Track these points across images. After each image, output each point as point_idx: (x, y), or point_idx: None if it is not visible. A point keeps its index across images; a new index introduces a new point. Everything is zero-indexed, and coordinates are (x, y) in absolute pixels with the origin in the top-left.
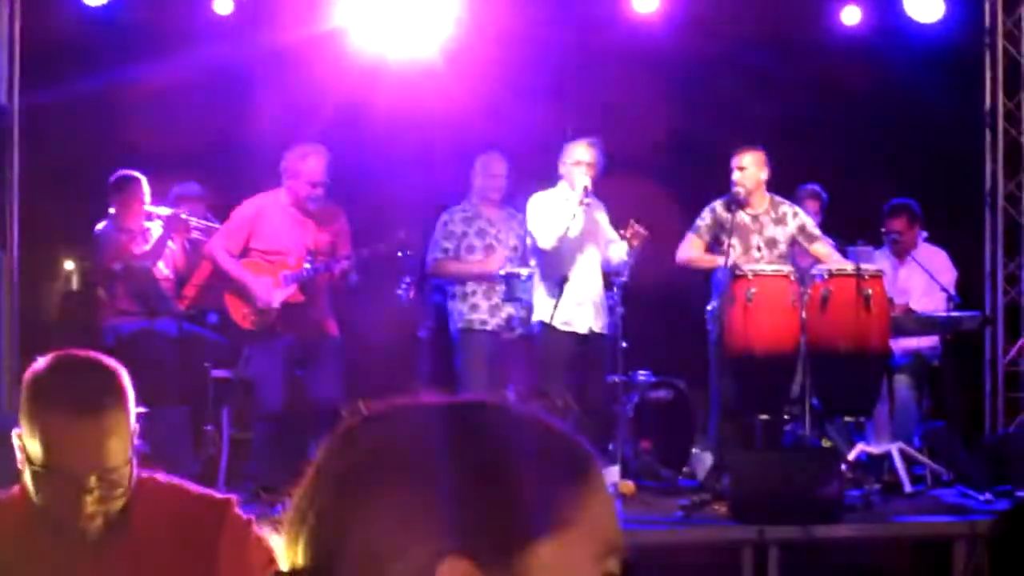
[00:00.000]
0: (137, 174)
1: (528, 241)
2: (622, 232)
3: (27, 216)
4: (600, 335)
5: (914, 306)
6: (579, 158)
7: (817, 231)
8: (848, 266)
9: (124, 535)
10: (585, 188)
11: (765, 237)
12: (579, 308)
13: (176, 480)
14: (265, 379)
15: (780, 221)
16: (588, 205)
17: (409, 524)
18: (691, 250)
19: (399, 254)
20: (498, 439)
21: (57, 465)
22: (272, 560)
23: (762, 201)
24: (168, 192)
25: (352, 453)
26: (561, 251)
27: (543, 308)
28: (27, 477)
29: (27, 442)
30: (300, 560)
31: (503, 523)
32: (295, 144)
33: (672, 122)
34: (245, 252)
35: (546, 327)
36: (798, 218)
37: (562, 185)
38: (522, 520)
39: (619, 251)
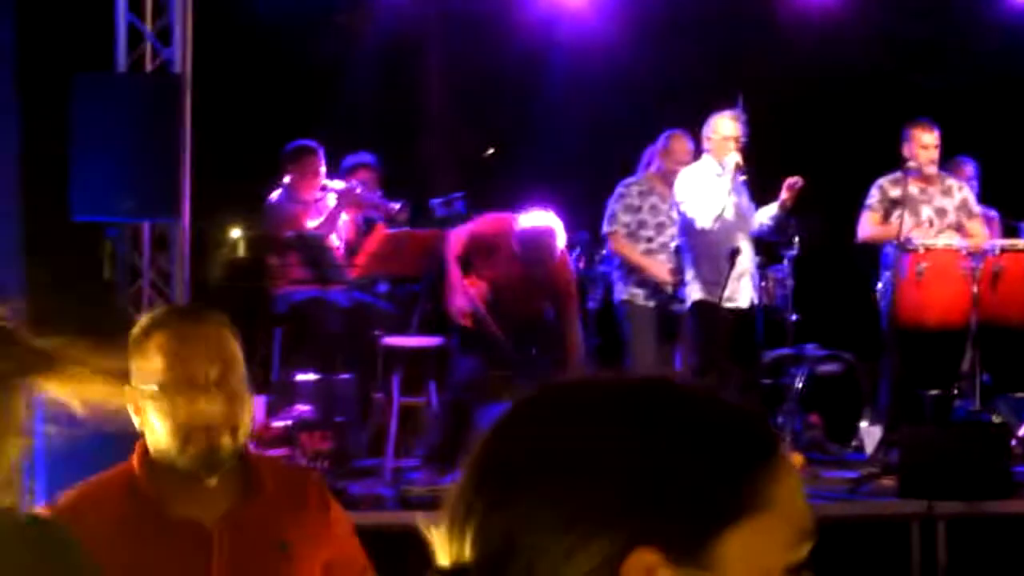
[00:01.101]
0: (313, 144)
1: (675, 217)
2: (779, 195)
3: (194, 184)
4: (755, 307)
5: None
6: (726, 133)
7: (977, 209)
8: (1020, 242)
9: (256, 507)
10: (737, 164)
11: (935, 207)
12: (739, 282)
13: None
14: (462, 353)
15: (947, 193)
16: (743, 182)
17: (589, 516)
18: (869, 227)
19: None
20: (681, 421)
21: (173, 366)
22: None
23: (932, 174)
24: (341, 161)
25: (522, 440)
26: (727, 227)
27: (702, 286)
28: (149, 417)
29: (140, 377)
30: (468, 554)
31: (692, 511)
32: None
33: (838, 92)
34: None
35: (708, 304)
36: (963, 191)
37: (707, 160)
38: (712, 507)
39: (764, 215)
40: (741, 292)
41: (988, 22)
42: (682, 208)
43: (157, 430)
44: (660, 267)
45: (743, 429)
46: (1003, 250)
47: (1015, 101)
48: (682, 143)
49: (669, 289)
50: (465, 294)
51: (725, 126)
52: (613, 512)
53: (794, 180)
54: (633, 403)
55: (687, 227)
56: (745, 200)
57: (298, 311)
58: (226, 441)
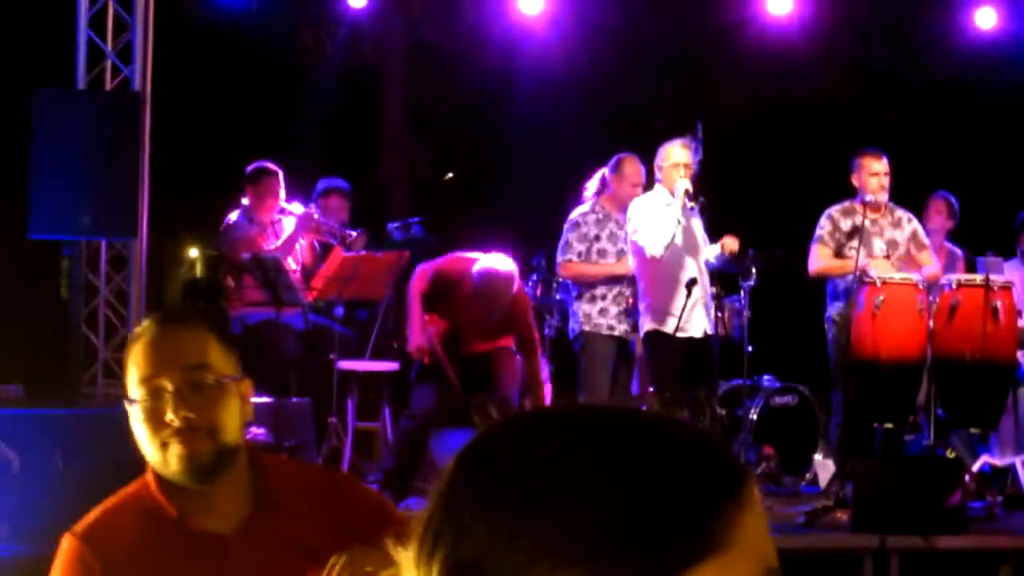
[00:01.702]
0: (273, 167)
1: (629, 247)
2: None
3: (152, 203)
4: (709, 337)
5: None
6: (676, 160)
7: (926, 240)
8: (977, 277)
9: (273, 512)
10: (687, 191)
11: (886, 239)
12: (692, 312)
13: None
14: (420, 385)
15: (897, 224)
16: (692, 209)
17: (556, 549)
18: (821, 260)
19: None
20: (651, 454)
21: (142, 374)
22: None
23: (882, 203)
24: (315, 185)
25: (492, 468)
26: (679, 255)
27: (654, 316)
28: (136, 431)
29: (127, 391)
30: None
31: (660, 547)
32: None
33: (797, 123)
34: None
35: (661, 334)
36: (912, 223)
37: (659, 189)
38: (680, 543)
39: (709, 253)
40: (694, 321)
41: (948, 51)
42: (633, 237)
43: (142, 442)
44: (619, 268)
45: (713, 463)
46: (959, 284)
47: (973, 131)
48: (634, 165)
49: (631, 322)
50: (424, 332)
51: (675, 153)
52: (580, 547)
53: (732, 241)
54: (603, 435)
55: (639, 256)
56: (699, 228)
57: (253, 333)
58: (204, 445)
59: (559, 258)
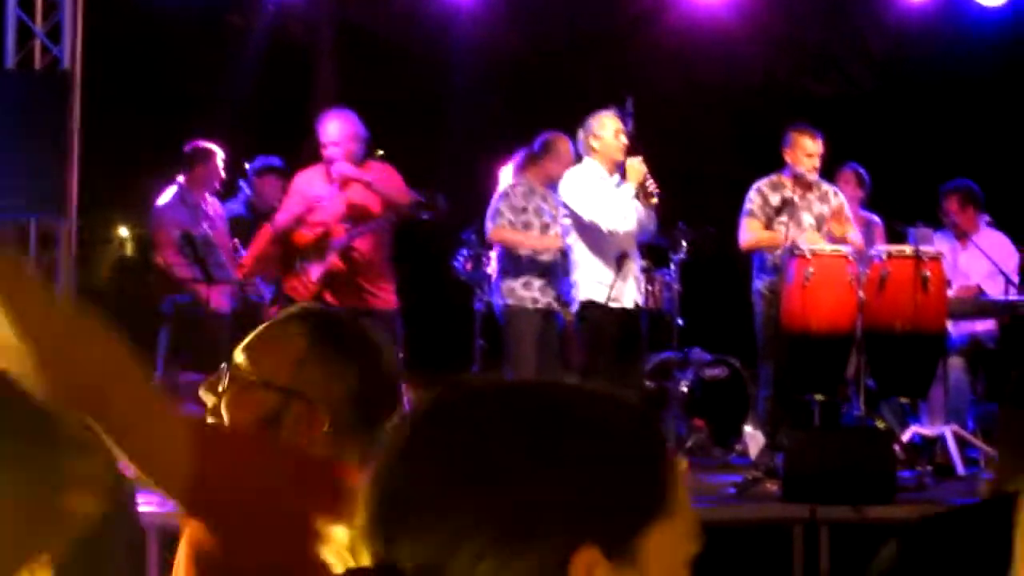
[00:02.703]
0: (211, 147)
1: (565, 220)
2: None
3: (83, 182)
4: (640, 308)
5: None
6: (614, 128)
7: (850, 214)
8: (907, 248)
9: None
10: (647, 190)
11: (814, 214)
12: (625, 284)
13: None
14: None
15: (824, 199)
16: (619, 183)
17: (531, 518)
18: (752, 233)
19: (422, 215)
20: (603, 425)
21: None
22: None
23: (812, 180)
24: (252, 160)
25: (434, 460)
26: (608, 228)
27: (592, 286)
28: None
29: None
30: (403, 558)
31: (624, 509)
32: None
33: (729, 100)
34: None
35: (596, 305)
36: (838, 197)
37: (590, 162)
38: (638, 503)
39: (635, 219)
40: (626, 293)
41: (882, 28)
42: (577, 209)
43: None
44: (551, 241)
45: (650, 430)
46: (889, 255)
47: (904, 107)
48: (565, 144)
49: (554, 294)
50: None
51: (610, 122)
52: (555, 513)
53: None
54: (542, 410)
55: (580, 228)
56: (633, 202)
57: (184, 311)
58: None
59: (489, 224)
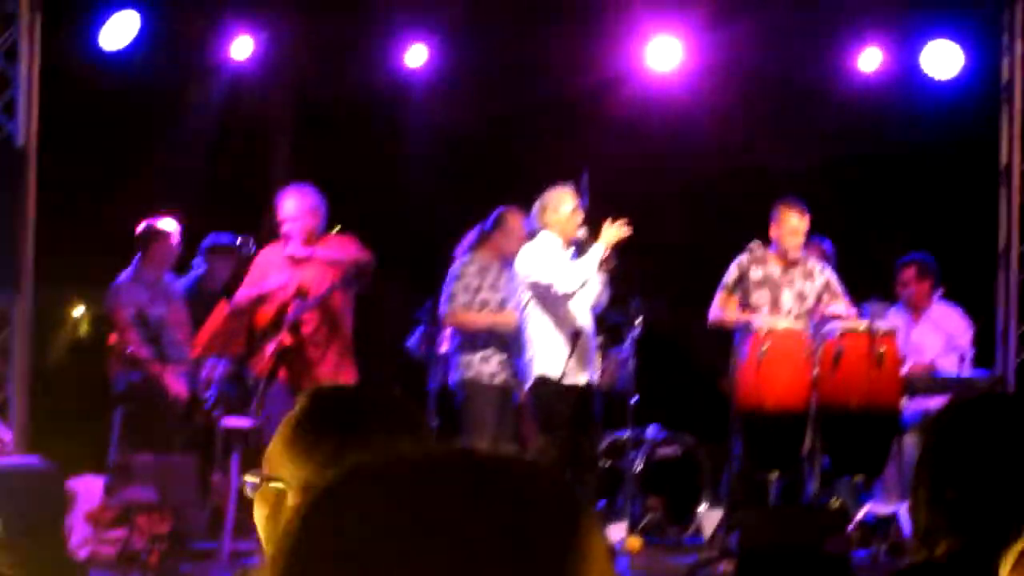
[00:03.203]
0: (165, 227)
1: (524, 296)
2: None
3: (38, 260)
4: (593, 386)
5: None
6: (570, 206)
7: (839, 288)
8: (861, 324)
9: None
10: (605, 259)
11: (795, 291)
12: (581, 360)
13: None
14: (269, 425)
15: (808, 275)
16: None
17: None
18: (720, 309)
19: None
20: (491, 501)
21: None
22: None
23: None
24: (205, 238)
25: (340, 524)
26: (572, 303)
27: (547, 363)
28: None
29: None
30: None
31: None
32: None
33: (683, 173)
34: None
35: (550, 382)
36: (824, 274)
37: (548, 235)
38: None
39: (595, 288)
40: (580, 370)
41: (833, 100)
42: (535, 279)
43: None
44: (507, 316)
45: (553, 504)
46: (844, 332)
47: (856, 180)
48: (516, 218)
49: (512, 370)
50: None
51: (568, 200)
52: None
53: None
54: (446, 483)
55: (538, 300)
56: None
57: (137, 390)
58: None
59: (443, 309)
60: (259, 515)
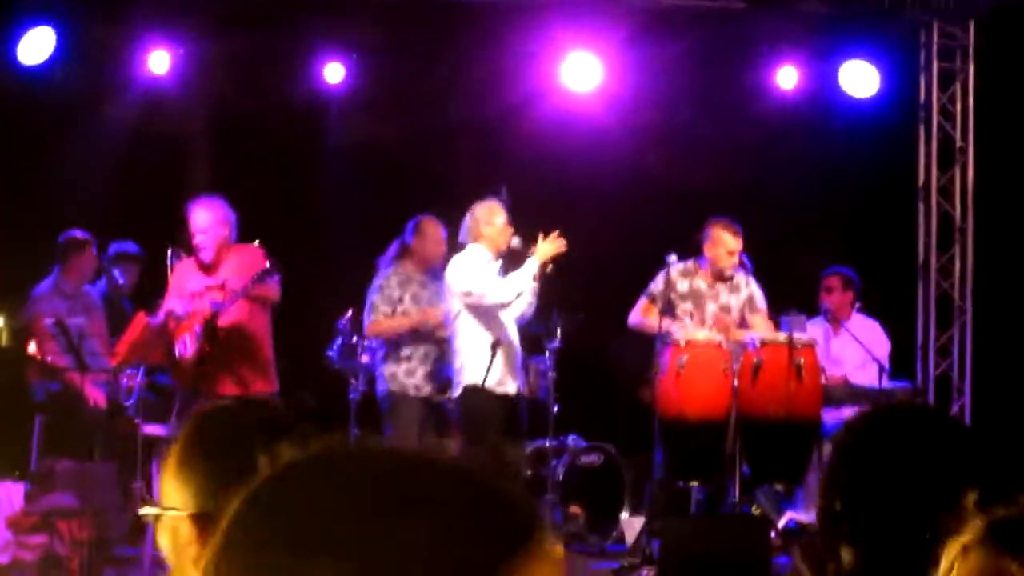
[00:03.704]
0: (84, 236)
1: (455, 306)
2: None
3: None
4: (521, 396)
5: (850, 378)
6: (502, 219)
7: (762, 305)
8: (780, 336)
9: None
10: (545, 267)
11: (720, 304)
12: (509, 370)
13: None
14: None
15: (735, 289)
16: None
17: None
18: (642, 315)
19: (259, 279)
20: (431, 509)
21: None
22: None
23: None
24: (107, 247)
25: (270, 515)
26: (495, 314)
27: (474, 371)
28: None
29: None
30: None
31: None
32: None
33: (604, 193)
34: None
35: (476, 390)
36: (749, 287)
37: (477, 248)
38: None
39: (526, 301)
40: (509, 378)
41: (752, 118)
42: (467, 289)
43: None
44: (430, 314)
45: (496, 516)
46: (763, 343)
47: (775, 196)
48: (435, 226)
49: (438, 382)
50: None
51: (499, 212)
52: None
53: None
54: (387, 482)
55: (473, 311)
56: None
57: (57, 399)
58: None
59: (366, 321)
60: (164, 544)
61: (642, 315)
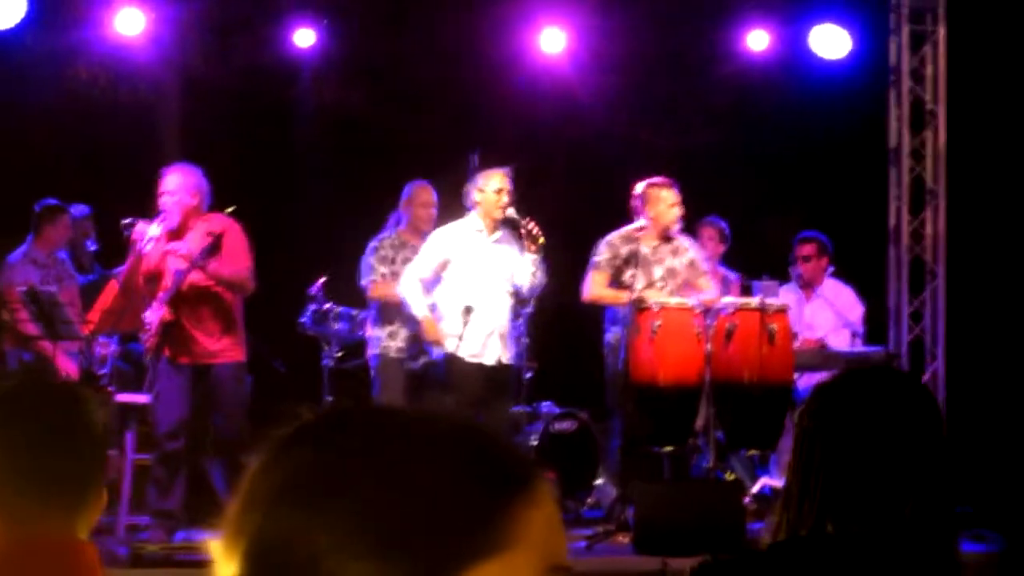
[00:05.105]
0: (58, 204)
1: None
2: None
3: None
4: (507, 366)
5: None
6: (500, 186)
7: (705, 267)
8: (753, 301)
9: None
10: (533, 239)
11: (665, 268)
12: (487, 339)
13: None
14: (159, 400)
15: (676, 252)
16: (499, 239)
17: (349, 543)
18: (596, 287)
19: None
20: (436, 452)
21: None
22: None
23: (671, 233)
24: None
25: (286, 468)
26: (466, 281)
27: (449, 339)
28: None
29: None
30: (238, 570)
31: (441, 546)
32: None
33: (576, 153)
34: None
35: (452, 358)
36: (690, 251)
37: (472, 216)
38: (460, 542)
39: (527, 272)
40: (488, 348)
41: (723, 80)
42: (437, 256)
43: None
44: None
45: (496, 460)
46: (736, 308)
47: (746, 160)
48: (427, 191)
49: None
50: None
51: (495, 181)
52: (369, 542)
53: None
54: (393, 434)
55: (445, 279)
56: (507, 256)
57: (30, 368)
58: None
59: (363, 280)
60: None
61: (596, 287)
